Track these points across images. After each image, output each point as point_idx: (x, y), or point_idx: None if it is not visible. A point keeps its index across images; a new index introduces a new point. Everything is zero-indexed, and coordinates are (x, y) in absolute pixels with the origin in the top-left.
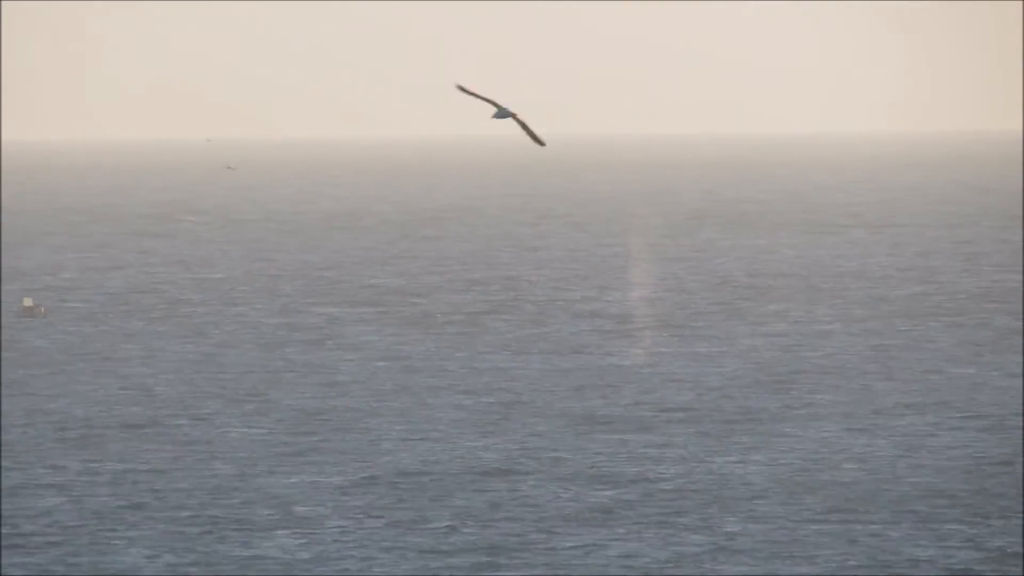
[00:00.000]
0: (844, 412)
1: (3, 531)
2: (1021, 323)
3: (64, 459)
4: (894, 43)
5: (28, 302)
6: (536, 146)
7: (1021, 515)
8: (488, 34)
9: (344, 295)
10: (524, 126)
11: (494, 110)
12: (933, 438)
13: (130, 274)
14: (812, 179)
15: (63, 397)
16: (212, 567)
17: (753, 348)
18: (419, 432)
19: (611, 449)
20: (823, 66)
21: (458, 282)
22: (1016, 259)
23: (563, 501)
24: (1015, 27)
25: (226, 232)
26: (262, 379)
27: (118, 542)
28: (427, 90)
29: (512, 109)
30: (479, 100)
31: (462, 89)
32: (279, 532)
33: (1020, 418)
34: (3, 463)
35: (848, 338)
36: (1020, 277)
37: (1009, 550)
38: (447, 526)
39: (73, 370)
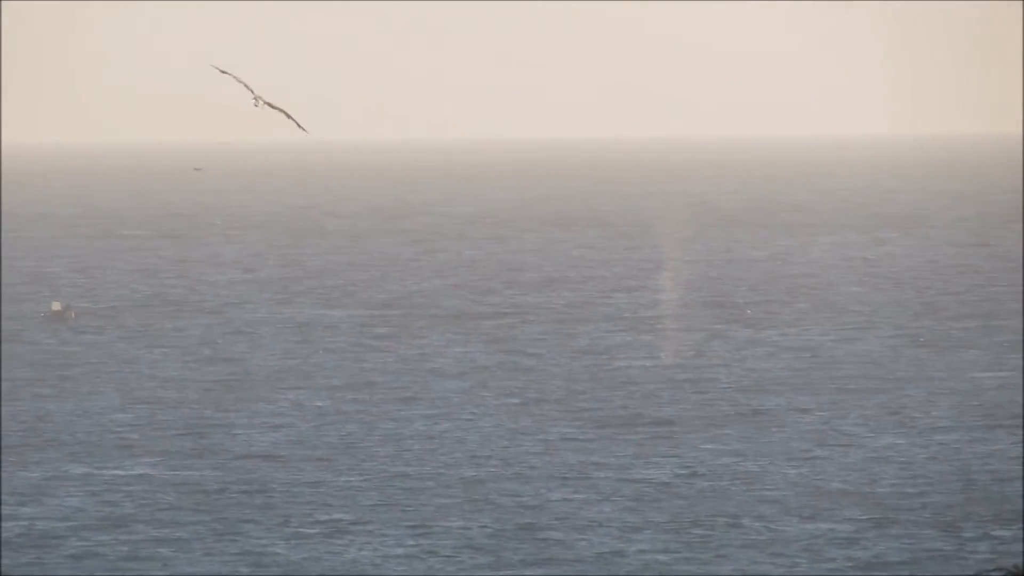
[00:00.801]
0: (877, 414)
1: (29, 530)
2: (1022, 322)
3: (93, 461)
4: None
5: (57, 306)
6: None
7: None
8: (496, 36)
9: (372, 296)
10: (287, 114)
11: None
12: (957, 435)
13: (158, 276)
14: (826, 181)
15: (94, 399)
16: (239, 567)
17: (783, 349)
18: (447, 434)
19: (637, 450)
20: (824, 67)
21: (488, 284)
22: None
23: (591, 502)
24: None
25: (256, 234)
26: (292, 381)
27: (142, 542)
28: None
29: (267, 98)
30: (239, 83)
31: (221, 71)
32: (306, 532)
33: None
34: (25, 464)
35: (879, 339)
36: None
37: None
38: (472, 526)
39: (102, 373)
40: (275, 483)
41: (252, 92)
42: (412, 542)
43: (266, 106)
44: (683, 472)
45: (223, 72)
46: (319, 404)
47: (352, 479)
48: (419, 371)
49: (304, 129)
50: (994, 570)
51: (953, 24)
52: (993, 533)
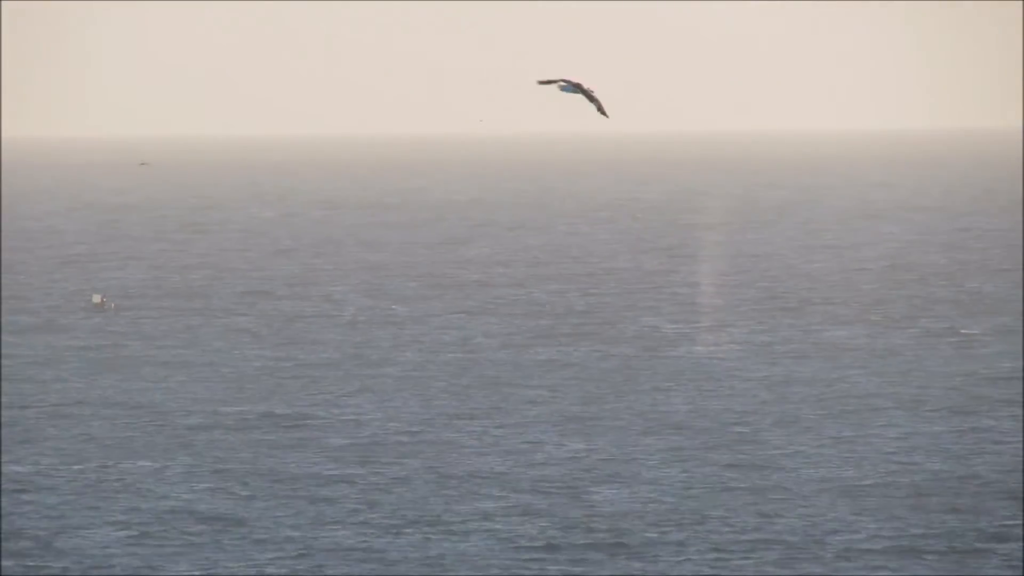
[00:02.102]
0: (919, 410)
1: (62, 524)
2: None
3: (134, 455)
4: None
5: (97, 298)
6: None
7: None
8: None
9: (413, 288)
10: (590, 97)
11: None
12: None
13: (193, 268)
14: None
15: (135, 392)
16: (283, 561)
17: (830, 345)
18: (489, 431)
19: (670, 446)
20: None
21: (531, 277)
22: None
23: (626, 499)
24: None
25: (290, 226)
26: (337, 376)
27: (185, 535)
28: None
29: (578, 81)
30: (553, 83)
31: (542, 82)
32: (349, 530)
33: None
34: (65, 456)
35: (925, 331)
36: None
37: None
38: (504, 526)
39: (142, 364)
40: (323, 480)
41: (566, 81)
42: (454, 540)
43: (582, 93)
44: (711, 466)
45: (543, 82)
46: (371, 396)
47: (399, 472)
48: (462, 363)
49: (606, 115)
50: None
51: (956, 19)
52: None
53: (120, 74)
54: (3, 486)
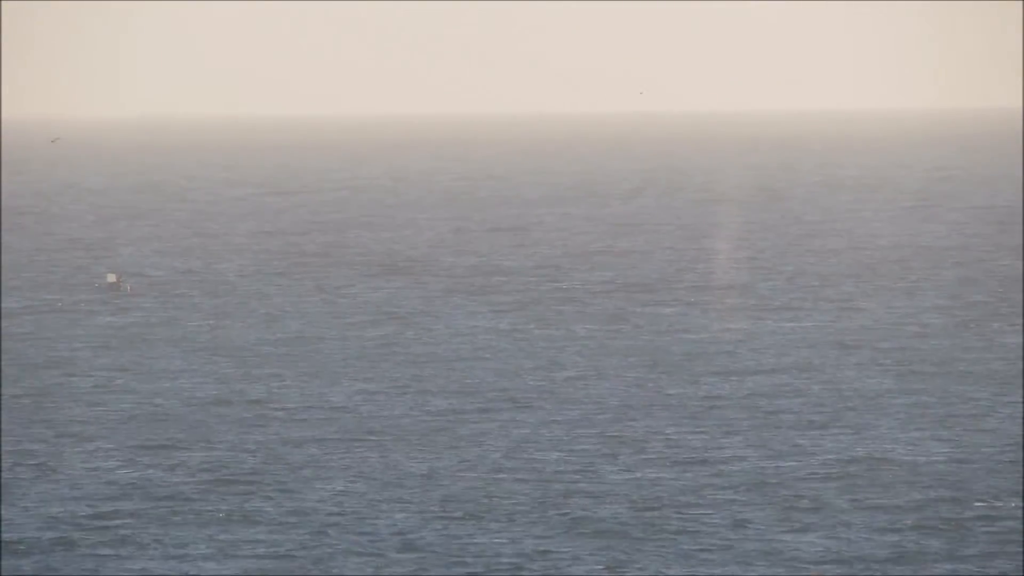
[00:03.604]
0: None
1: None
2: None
3: (144, 437)
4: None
5: (112, 277)
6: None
7: None
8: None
9: (425, 273)
10: None
11: None
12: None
13: (209, 248)
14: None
15: (147, 374)
16: (301, 548)
17: (846, 323)
18: (502, 416)
19: (683, 429)
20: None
21: (551, 258)
22: None
23: (644, 483)
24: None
25: (310, 206)
26: (347, 360)
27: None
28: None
29: None
30: None
31: None
32: (367, 519)
33: None
34: (73, 441)
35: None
36: None
37: None
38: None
39: (158, 347)
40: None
41: None
42: (481, 536)
43: None
44: (725, 450)
45: None
46: (381, 381)
47: (419, 460)
48: (473, 344)
49: None
50: None
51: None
52: None
53: (141, 56)
54: (13, 466)
